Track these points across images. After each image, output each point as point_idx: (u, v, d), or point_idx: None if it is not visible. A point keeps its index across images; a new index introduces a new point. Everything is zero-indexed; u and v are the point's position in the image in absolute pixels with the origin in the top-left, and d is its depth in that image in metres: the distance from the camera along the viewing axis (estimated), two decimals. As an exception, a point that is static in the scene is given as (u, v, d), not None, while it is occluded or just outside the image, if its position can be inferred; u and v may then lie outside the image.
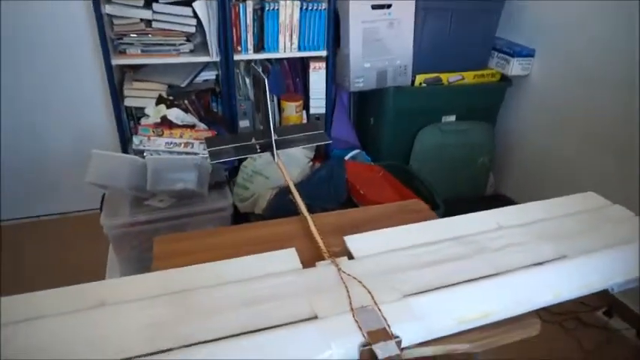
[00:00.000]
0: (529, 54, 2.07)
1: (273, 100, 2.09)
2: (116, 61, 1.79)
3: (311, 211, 1.08)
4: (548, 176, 2.13)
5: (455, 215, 1.01)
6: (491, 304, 0.76)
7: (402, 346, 0.68)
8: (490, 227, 0.97)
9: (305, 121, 2.11)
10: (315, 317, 0.71)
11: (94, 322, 0.72)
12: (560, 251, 0.88)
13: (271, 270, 0.84)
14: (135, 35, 1.77)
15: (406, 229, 0.96)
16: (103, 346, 0.67)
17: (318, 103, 2.09)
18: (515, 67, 2.08)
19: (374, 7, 1.90)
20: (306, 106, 2.11)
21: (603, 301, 1.84)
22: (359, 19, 1.89)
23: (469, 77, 2.17)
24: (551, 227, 0.98)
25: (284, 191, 1.63)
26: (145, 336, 0.69)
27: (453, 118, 2.22)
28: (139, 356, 0.65)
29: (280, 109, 2.08)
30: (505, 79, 2.21)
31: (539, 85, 2.11)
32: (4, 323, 0.70)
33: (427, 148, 2.20)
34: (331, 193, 1.65)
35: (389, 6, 1.91)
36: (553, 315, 1.78)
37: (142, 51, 1.80)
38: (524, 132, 2.25)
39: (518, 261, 0.85)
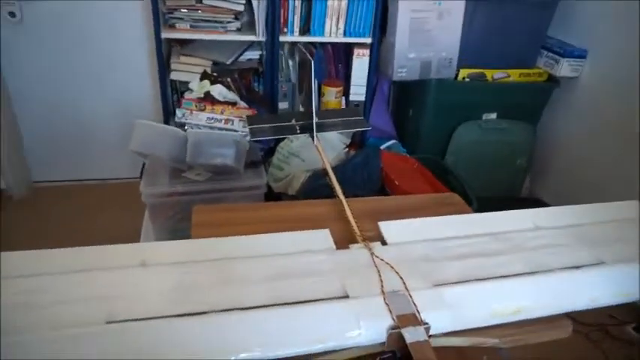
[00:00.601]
0: (580, 55, 2.00)
1: (314, 84, 2.09)
2: (166, 34, 1.83)
3: (345, 196, 1.09)
4: (586, 184, 2.07)
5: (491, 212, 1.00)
6: (525, 301, 0.75)
7: (431, 333, 0.69)
8: (527, 227, 0.96)
9: (344, 107, 2.11)
10: (347, 297, 0.73)
11: (135, 280, 0.75)
12: (598, 257, 0.86)
13: (305, 248, 0.85)
14: (185, 10, 1.81)
15: (441, 220, 0.96)
16: (141, 303, 0.70)
17: (358, 90, 2.09)
18: (564, 68, 2.01)
19: (424, -4, 1.87)
20: (346, 93, 2.10)
21: (633, 316, 1.79)
22: (408, 7, 1.86)
23: (515, 75, 2.12)
24: (589, 232, 0.96)
25: (318, 174, 1.65)
26: (180, 298, 0.72)
27: (494, 115, 2.17)
28: (176, 316, 0.68)
29: (320, 94, 2.09)
30: (553, 80, 2.14)
31: (589, 88, 2.03)
32: (45, 273, 0.74)
33: (464, 145, 2.16)
34: (365, 181, 1.65)
35: (439, -4, 1.88)
36: (580, 325, 1.75)
37: (191, 26, 1.84)
38: (566, 136, 2.19)
39: (555, 262, 0.84)
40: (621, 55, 1.86)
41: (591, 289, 0.79)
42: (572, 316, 0.80)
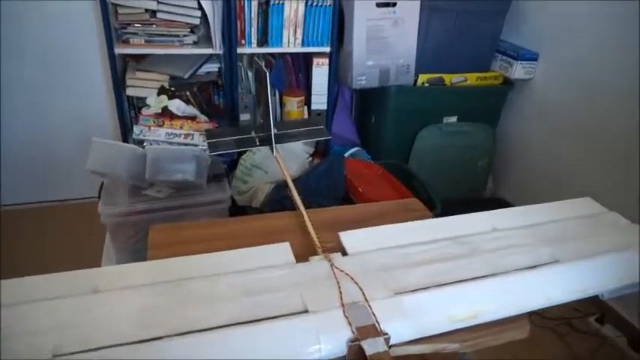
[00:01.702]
0: (532, 58, 2.07)
1: (274, 95, 2.09)
2: (119, 50, 1.79)
3: (308, 206, 1.08)
4: (546, 181, 2.13)
5: (452, 216, 1.02)
6: (483, 305, 0.76)
7: (391, 343, 0.69)
8: (485, 229, 0.97)
9: (306, 116, 2.11)
10: (306, 311, 0.72)
11: (86, 308, 0.72)
12: (554, 255, 0.89)
13: (264, 263, 0.84)
14: (139, 25, 1.77)
15: (401, 227, 0.96)
16: (95, 331, 0.67)
17: (319, 99, 2.09)
18: (518, 71, 2.07)
19: (379, 4, 1.89)
20: (307, 102, 2.11)
21: (595, 307, 1.84)
22: (363, 16, 1.88)
23: (472, 79, 2.17)
24: (545, 231, 0.98)
25: (282, 185, 1.63)
26: (137, 323, 0.69)
27: (454, 119, 2.22)
28: (131, 343, 0.65)
29: (282, 104, 2.08)
30: (508, 82, 2.21)
31: (542, 89, 2.10)
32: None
33: (427, 148, 2.20)
34: (329, 190, 1.65)
35: (394, 4, 1.91)
36: (545, 320, 1.79)
37: (146, 41, 1.81)
38: (524, 136, 2.25)
39: (512, 263, 0.85)
40: (571, 55, 1.94)
41: (547, 288, 0.81)
42: (538, 312, 0.81)
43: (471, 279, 0.80)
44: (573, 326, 1.81)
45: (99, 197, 1.58)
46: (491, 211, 1.04)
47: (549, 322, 1.79)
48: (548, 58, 2.05)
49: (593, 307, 1.85)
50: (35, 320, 0.69)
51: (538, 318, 1.75)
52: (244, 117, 2.06)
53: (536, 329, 1.75)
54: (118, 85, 1.85)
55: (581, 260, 0.88)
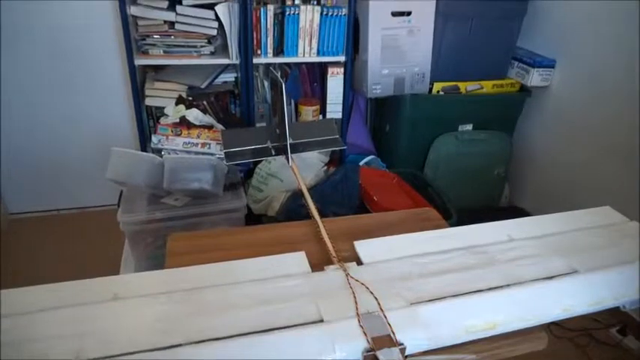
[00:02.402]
0: (549, 65, 2.05)
1: (290, 104, 2.11)
2: (139, 61, 1.83)
3: (323, 215, 1.09)
4: (564, 190, 2.10)
5: (467, 225, 1.01)
6: (499, 316, 0.75)
7: (407, 353, 0.69)
8: (501, 239, 0.97)
9: (321, 124, 2.12)
10: (321, 320, 0.72)
11: (105, 315, 0.74)
12: (572, 266, 0.88)
13: (281, 272, 0.85)
14: (158, 36, 1.81)
15: (416, 236, 0.96)
16: (115, 338, 0.69)
17: (334, 108, 2.10)
18: (534, 78, 2.06)
19: (394, 14, 1.90)
20: (322, 111, 2.12)
21: (617, 318, 1.81)
22: (378, 25, 1.90)
23: (488, 86, 2.16)
24: (564, 241, 0.97)
25: (298, 194, 1.65)
26: (155, 330, 0.70)
27: (469, 127, 2.21)
28: (148, 350, 0.67)
29: (297, 113, 2.10)
30: (524, 90, 2.19)
31: (559, 96, 2.08)
32: (18, 313, 0.72)
33: (442, 157, 2.19)
34: (344, 199, 1.66)
35: (409, 13, 1.91)
36: (565, 331, 1.76)
37: (164, 52, 1.84)
38: (541, 144, 2.23)
39: (529, 274, 0.84)
40: (588, 62, 1.92)
41: (565, 299, 0.80)
42: (557, 322, 0.80)
43: (488, 289, 0.80)
44: (594, 337, 1.77)
45: (118, 205, 1.61)
46: (507, 221, 1.03)
47: (569, 333, 1.76)
48: (565, 64, 2.03)
49: (614, 318, 1.81)
50: (58, 326, 0.71)
51: (557, 328, 1.72)
52: (260, 125, 2.08)
53: (556, 340, 1.72)
54: (138, 95, 1.89)
55: (600, 270, 0.87)
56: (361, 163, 2.09)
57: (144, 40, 1.82)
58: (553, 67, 2.06)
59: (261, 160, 1.86)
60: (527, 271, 0.85)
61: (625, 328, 1.79)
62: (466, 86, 2.13)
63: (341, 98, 2.08)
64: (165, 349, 0.67)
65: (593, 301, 0.82)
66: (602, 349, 1.74)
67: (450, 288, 0.80)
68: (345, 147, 1.83)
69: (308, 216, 1.13)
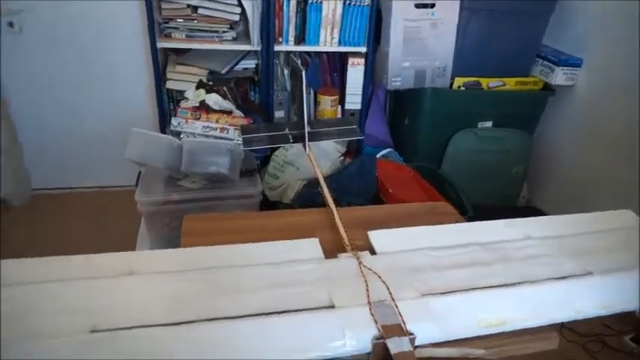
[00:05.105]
0: (575, 64, 2.01)
1: (309, 93, 2.10)
2: (161, 44, 1.85)
3: (338, 205, 1.09)
4: (584, 192, 2.07)
5: (484, 221, 1.00)
6: (511, 312, 0.75)
7: (416, 344, 0.69)
8: (517, 236, 0.96)
9: (339, 115, 2.12)
10: (332, 306, 0.73)
11: (120, 289, 0.75)
12: (587, 267, 0.86)
13: (294, 257, 0.85)
14: (181, 20, 1.83)
15: (431, 229, 0.96)
16: (127, 312, 0.70)
17: (353, 99, 2.10)
18: (559, 77, 2.02)
19: (417, 5, 1.88)
20: (341, 101, 2.11)
21: (631, 326, 1.77)
22: (401, 17, 1.88)
23: (510, 83, 2.12)
24: (580, 242, 0.96)
25: (313, 183, 1.65)
26: (168, 307, 0.72)
27: (489, 124, 2.18)
28: (161, 325, 0.68)
29: (316, 103, 2.10)
30: (548, 88, 2.15)
31: (584, 96, 2.04)
32: (31, 282, 0.74)
33: (460, 153, 2.17)
34: (360, 189, 1.66)
35: (432, 5, 1.89)
36: (577, 335, 1.73)
37: (187, 36, 1.86)
38: (563, 144, 2.19)
39: (543, 273, 0.84)
40: (617, 63, 1.87)
41: (577, 300, 0.79)
42: (569, 326, 0.80)
43: (501, 285, 0.79)
44: (606, 344, 1.74)
45: (136, 185, 1.64)
46: (524, 219, 1.02)
47: (581, 338, 1.73)
48: (592, 64, 1.99)
49: (628, 325, 1.78)
50: (74, 297, 0.73)
51: (569, 333, 1.70)
52: (279, 114, 2.08)
53: (566, 344, 1.70)
54: (159, 77, 1.91)
55: (614, 274, 0.85)
56: (378, 156, 2.08)
57: (167, 23, 1.83)
58: (579, 66, 2.02)
59: (278, 148, 1.87)
60: (542, 270, 0.85)
61: (639, 336, 1.76)
62: (488, 82, 2.10)
63: (360, 89, 2.07)
64: (178, 324, 0.69)
65: (605, 304, 0.81)
66: (613, 356, 1.71)
67: (463, 282, 0.80)
68: (362, 137, 1.82)
69: (322, 204, 1.13)
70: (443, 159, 2.18)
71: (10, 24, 1.96)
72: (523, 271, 0.83)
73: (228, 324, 0.69)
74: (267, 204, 1.77)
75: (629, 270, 0.86)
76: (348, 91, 2.08)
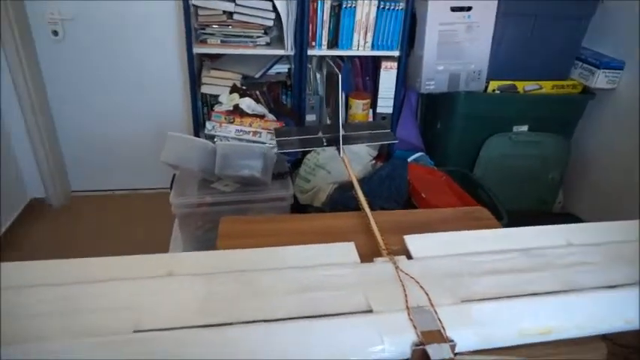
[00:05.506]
0: (618, 66, 1.94)
1: (341, 97, 2.10)
2: (197, 49, 1.88)
3: (371, 209, 1.08)
4: (623, 199, 1.99)
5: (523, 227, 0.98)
6: (555, 321, 0.72)
7: (457, 350, 0.68)
8: (559, 243, 0.93)
9: (371, 119, 2.11)
10: (371, 311, 0.72)
11: (160, 290, 0.77)
12: (633, 276, 0.83)
13: (330, 261, 0.85)
14: (216, 26, 1.86)
15: (469, 234, 0.94)
16: (167, 313, 0.71)
17: (385, 103, 2.08)
18: (600, 79, 1.95)
19: (453, 9, 1.86)
20: (373, 105, 2.10)
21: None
22: (437, 20, 1.86)
23: (547, 87, 2.07)
24: (625, 250, 0.92)
25: (344, 186, 1.65)
26: (206, 308, 0.73)
27: (525, 128, 2.13)
28: (199, 326, 0.69)
29: (347, 106, 2.09)
30: (588, 92, 2.08)
31: (626, 100, 1.97)
32: (75, 282, 0.76)
33: (494, 157, 2.12)
34: (392, 193, 1.64)
35: (469, 8, 1.86)
36: (617, 346, 1.66)
37: (222, 41, 1.89)
38: (602, 150, 2.11)
39: (588, 281, 0.81)
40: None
41: (627, 310, 0.76)
42: (609, 337, 0.77)
43: (544, 293, 0.77)
44: (649, 356, 1.67)
45: (171, 188, 1.67)
46: (565, 225, 0.99)
47: (621, 350, 1.66)
48: (634, 67, 1.91)
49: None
50: (116, 297, 0.75)
51: (608, 343, 1.63)
52: (310, 117, 2.09)
53: (607, 355, 1.64)
54: (194, 82, 1.94)
55: (665, 283, 0.82)
56: (410, 160, 2.06)
57: (203, 29, 1.87)
58: (621, 68, 1.95)
59: (310, 151, 1.87)
60: (587, 278, 0.82)
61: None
62: (524, 86, 2.05)
63: (392, 93, 2.06)
64: (215, 326, 0.69)
65: (657, 315, 0.77)
66: (657, 369, 1.63)
67: (504, 289, 0.77)
68: (396, 141, 1.81)
69: (353, 208, 1.13)
70: (475, 163, 2.14)
71: (55, 32, 2.04)
72: (567, 279, 0.81)
73: (264, 326, 0.69)
74: (298, 207, 1.78)
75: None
76: (380, 94, 2.07)
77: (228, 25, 1.85)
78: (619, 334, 0.77)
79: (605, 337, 0.77)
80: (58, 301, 0.71)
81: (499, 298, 0.75)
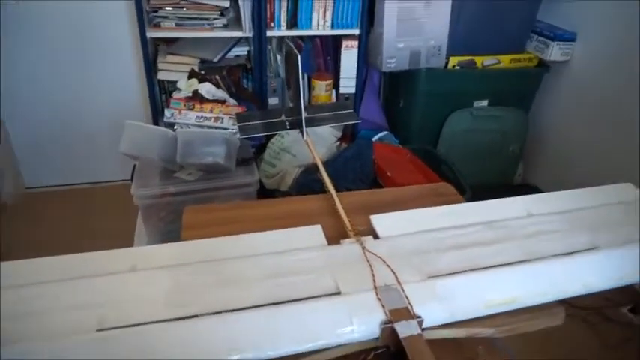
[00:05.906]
0: (570, 38, 1.99)
1: (303, 79, 2.08)
2: (151, 33, 1.81)
3: (337, 191, 1.08)
4: (580, 169, 2.07)
5: (485, 200, 1.00)
6: (519, 290, 0.75)
7: (424, 326, 0.69)
8: (520, 214, 0.95)
9: (334, 100, 2.09)
10: (339, 293, 0.72)
11: (124, 285, 0.74)
12: (592, 242, 0.86)
13: (297, 245, 0.84)
14: (170, 8, 1.78)
15: (433, 211, 0.95)
16: (133, 308, 0.69)
17: (348, 83, 2.07)
18: (554, 52, 2.00)
19: (411, -15, 1.85)
20: (335, 86, 2.09)
21: (628, 297, 1.79)
22: (395, -3, 1.84)
23: (505, 61, 2.11)
24: (583, 217, 0.95)
25: (310, 169, 1.64)
26: (172, 301, 0.71)
27: (485, 103, 2.17)
28: (166, 320, 0.67)
29: (310, 88, 2.07)
30: (543, 65, 2.14)
31: (579, 72, 2.03)
32: (36, 283, 0.73)
33: (456, 133, 2.16)
34: (358, 174, 1.64)
35: (426, -16, 1.86)
36: (576, 309, 1.75)
37: (177, 24, 1.82)
38: (559, 121, 2.18)
39: (549, 249, 0.83)
40: (610, 37, 1.86)
41: (585, 275, 0.79)
42: (568, 301, 0.80)
43: (507, 264, 0.79)
44: (605, 316, 1.76)
45: (131, 179, 1.62)
46: (526, 196, 1.01)
47: (580, 311, 1.75)
48: (586, 39, 1.97)
49: (625, 296, 1.80)
50: (78, 295, 0.72)
51: (568, 306, 1.71)
52: (273, 101, 2.06)
53: (566, 318, 1.72)
54: (150, 68, 1.87)
55: (620, 247, 0.85)
56: (374, 139, 2.07)
57: (156, 12, 1.79)
58: (574, 40, 2.00)
59: (274, 136, 1.85)
60: (547, 246, 0.84)
61: (636, 307, 1.77)
62: (482, 60, 2.08)
63: (354, 72, 2.05)
64: (184, 319, 0.68)
65: (613, 277, 0.81)
66: (612, 327, 1.73)
67: (469, 262, 0.79)
68: (359, 121, 1.80)
69: (320, 191, 1.12)
70: (439, 140, 2.17)
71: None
72: (529, 249, 0.83)
73: (232, 316, 0.68)
74: (264, 192, 1.76)
75: (633, 243, 0.86)
76: (342, 74, 2.05)
77: (182, 7, 1.79)
78: (577, 297, 0.80)
79: (563, 300, 0.80)
80: (12, 303, 0.68)
81: (464, 271, 0.77)
